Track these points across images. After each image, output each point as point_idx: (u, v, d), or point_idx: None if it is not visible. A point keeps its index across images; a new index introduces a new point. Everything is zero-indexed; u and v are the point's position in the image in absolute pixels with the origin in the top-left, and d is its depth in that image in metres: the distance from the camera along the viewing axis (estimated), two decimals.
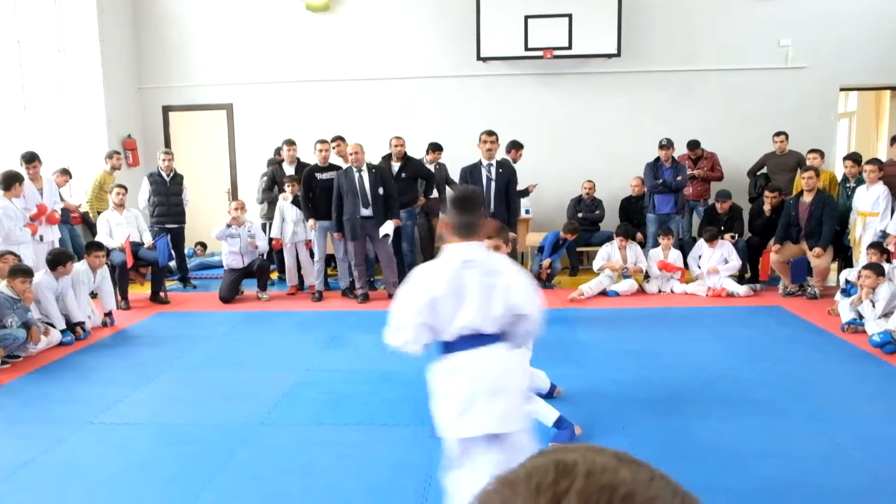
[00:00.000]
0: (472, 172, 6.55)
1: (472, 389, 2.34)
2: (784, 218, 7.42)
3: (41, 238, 6.65)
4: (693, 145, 8.51)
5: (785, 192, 7.97)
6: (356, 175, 7.15)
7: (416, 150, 8.43)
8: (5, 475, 3.43)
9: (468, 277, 2.30)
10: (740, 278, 7.76)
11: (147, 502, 3.20)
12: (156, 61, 9.89)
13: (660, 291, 7.65)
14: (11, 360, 5.36)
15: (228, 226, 7.48)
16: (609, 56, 8.98)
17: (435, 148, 8.53)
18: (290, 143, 8.23)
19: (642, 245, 8.08)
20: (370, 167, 7.26)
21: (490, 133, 6.48)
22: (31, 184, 6.70)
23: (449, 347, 2.39)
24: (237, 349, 5.77)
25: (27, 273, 5.61)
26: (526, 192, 8.39)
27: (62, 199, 7.67)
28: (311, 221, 7.51)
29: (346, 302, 7.46)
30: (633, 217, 8.55)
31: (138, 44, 9.86)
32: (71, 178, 8.19)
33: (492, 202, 6.38)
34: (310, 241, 7.72)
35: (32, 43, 8.54)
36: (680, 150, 8.43)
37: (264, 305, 7.40)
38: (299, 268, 7.94)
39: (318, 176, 7.53)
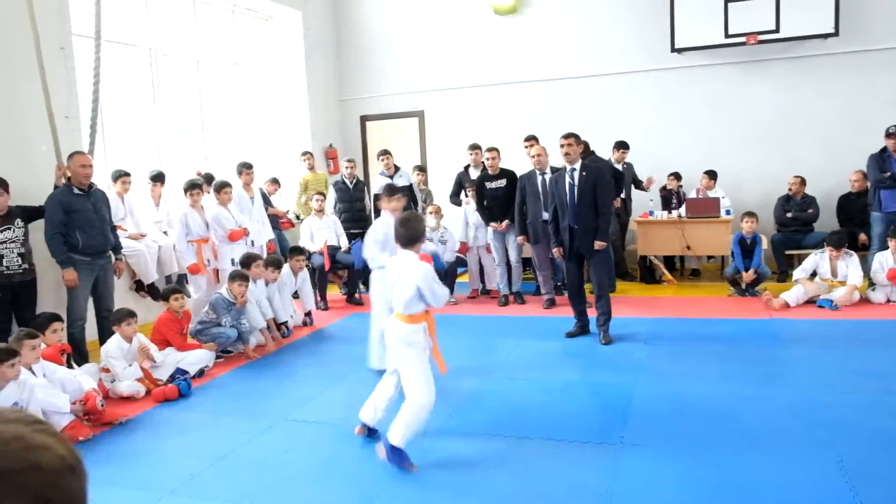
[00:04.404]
0: (557, 181, 5.95)
1: None
2: None
3: (252, 242, 7.27)
4: None
5: None
6: (539, 178, 7.02)
7: (608, 150, 8.23)
8: (208, 464, 3.74)
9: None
10: None
11: (329, 502, 3.32)
12: (353, 74, 10.48)
13: (888, 301, 6.68)
14: (225, 354, 5.91)
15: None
16: (825, 36, 8.04)
17: (621, 146, 8.23)
18: (475, 147, 8.14)
19: (866, 247, 7.10)
20: (553, 170, 7.08)
21: (567, 136, 5.78)
22: (244, 192, 7.38)
23: None
24: None
25: (244, 278, 6.10)
26: (643, 187, 8.47)
27: (271, 206, 8.36)
28: (493, 224, 7.50)
29: (532, 307, 7.35)
30: (855, 216, 7.57)
31: (338, 59, 10.51)
32: (280, 186, 8.91)
33: (574, 209, 5.72)
34: (489, 244, 7.69)
35: (248, 64, 9.41)
36: None
37: (449, 308, 7.49)
38: (482, 271, 7.97)
39: (487, 185, 7.49)
